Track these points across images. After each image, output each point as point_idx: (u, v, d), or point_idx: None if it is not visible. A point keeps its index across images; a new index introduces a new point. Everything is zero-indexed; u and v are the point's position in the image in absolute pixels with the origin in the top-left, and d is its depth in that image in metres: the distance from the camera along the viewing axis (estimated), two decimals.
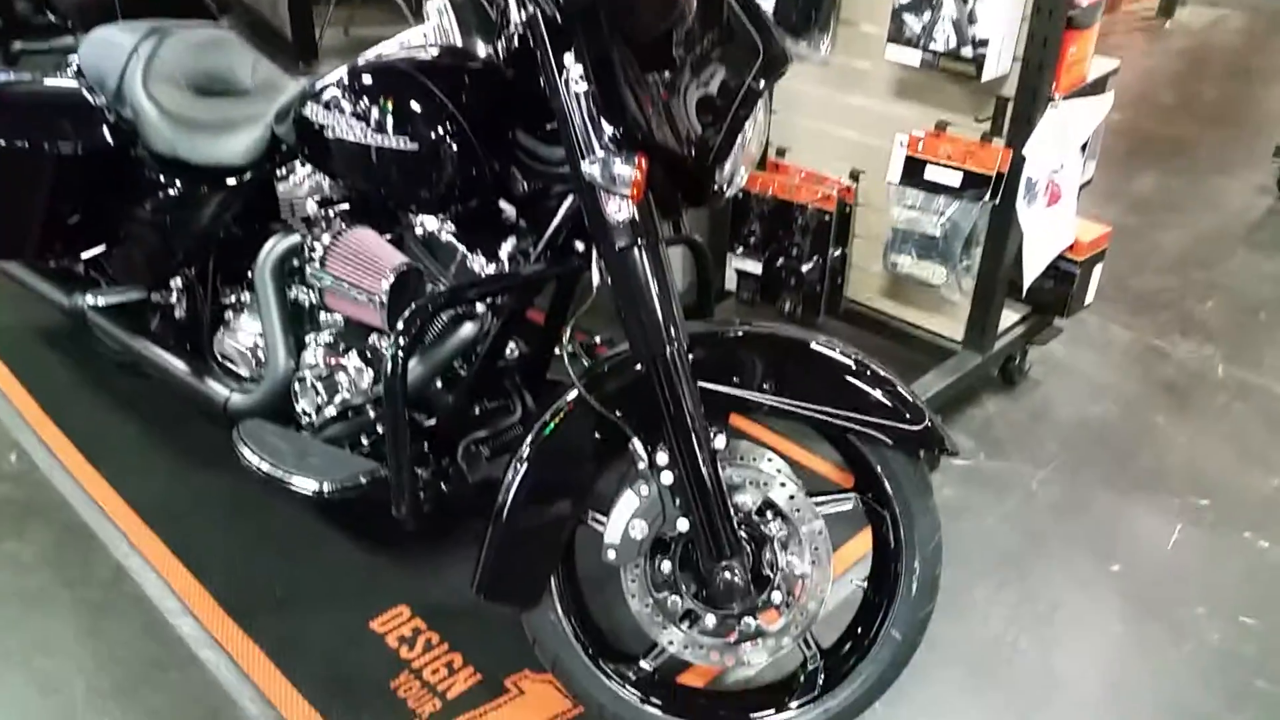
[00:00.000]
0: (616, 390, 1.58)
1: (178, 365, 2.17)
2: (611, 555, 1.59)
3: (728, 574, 1.58)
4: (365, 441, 1.93)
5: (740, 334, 1.62)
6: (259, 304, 2.01)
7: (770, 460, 1.71)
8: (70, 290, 2.38)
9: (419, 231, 1.84)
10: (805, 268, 2.63)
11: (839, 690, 1.71)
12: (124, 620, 2.02)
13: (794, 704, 1.72)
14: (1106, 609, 2.12)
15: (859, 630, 1.74)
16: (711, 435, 1.54)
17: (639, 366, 1.54)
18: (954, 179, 2.31)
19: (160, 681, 1.89)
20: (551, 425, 1.60)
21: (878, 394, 1.58)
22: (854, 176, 2.57)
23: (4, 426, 2.55)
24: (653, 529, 1.59)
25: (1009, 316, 2.61)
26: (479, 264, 1.77)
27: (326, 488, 1.75)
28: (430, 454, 1.91)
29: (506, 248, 1.76)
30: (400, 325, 1.58)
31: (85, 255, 2.38)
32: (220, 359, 2.19)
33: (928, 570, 1.67)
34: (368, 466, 1.80)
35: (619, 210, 1.43)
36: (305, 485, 1.76)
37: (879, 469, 1.64)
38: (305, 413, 1.98)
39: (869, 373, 1.58)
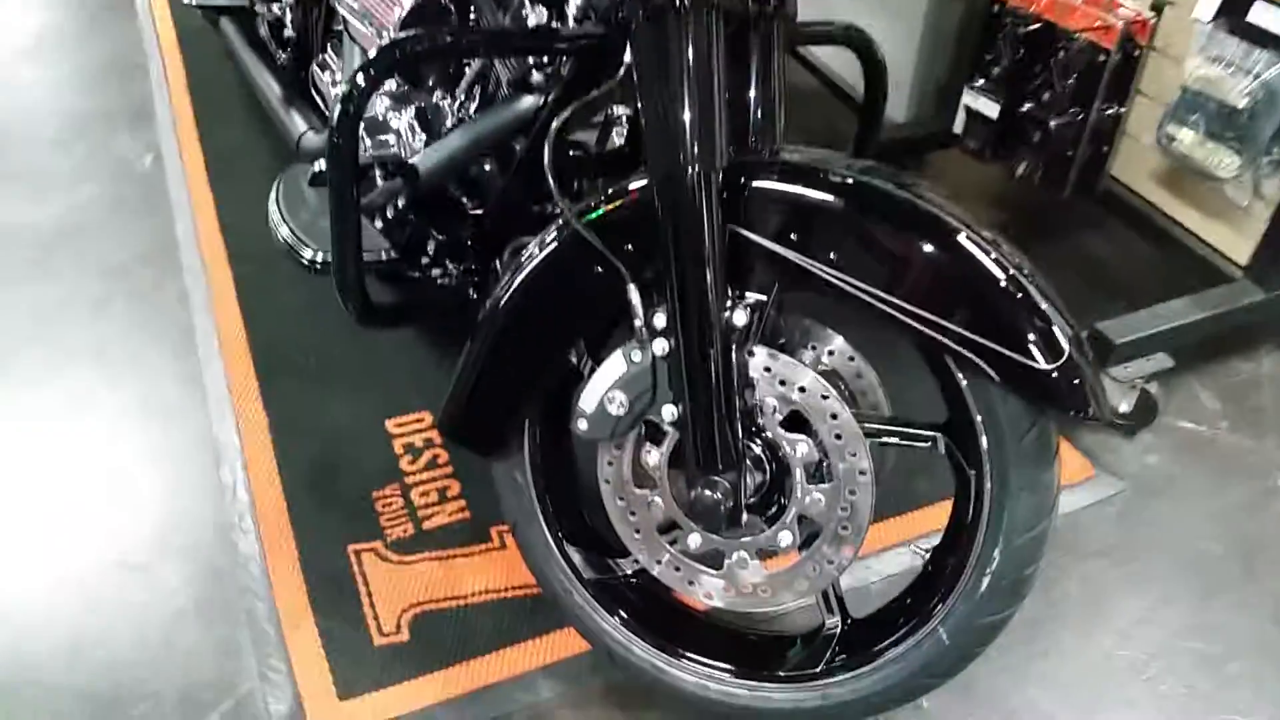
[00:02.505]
0: (623, 220, 1.16)
1: (270, 86, 1.95)
2: (582, 425, 1.21)
3: (710, 492, 1.17)
4: (392, 218, 1.61)
5: (831, 177, 1.12)
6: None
7: (830, 353, 1.25)
8: None
9: None
10: (1057, 122, 1.97)
11: (849, 678, 1.28)
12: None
13: (784, 673, 1.31)
14: None
15: (902, 613, 1.28)
16: (732, 302, 1.10)
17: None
18: None
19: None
20: (544, 251, 1.21)
21: (1005, 309, 1.05)
22: (1156, 8, 1.85)
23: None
24: (635, 408, 1.19)
25: None
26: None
27: (318, 259, 1.47)
28: (472, 247, 1.58)
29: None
30: (369, 56, 1.21)
31: None
32: (316, 91, 1.93)
33: (1011, 566, 1.17)
34: (373, 245, 1.50)
35: None
36: (301, 251, 1.49)
37: (976, 415, 1.13)
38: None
39: (1002, 276, 1.05)
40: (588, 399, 1.21)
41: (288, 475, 1.65)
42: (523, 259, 1.23)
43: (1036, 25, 1.93)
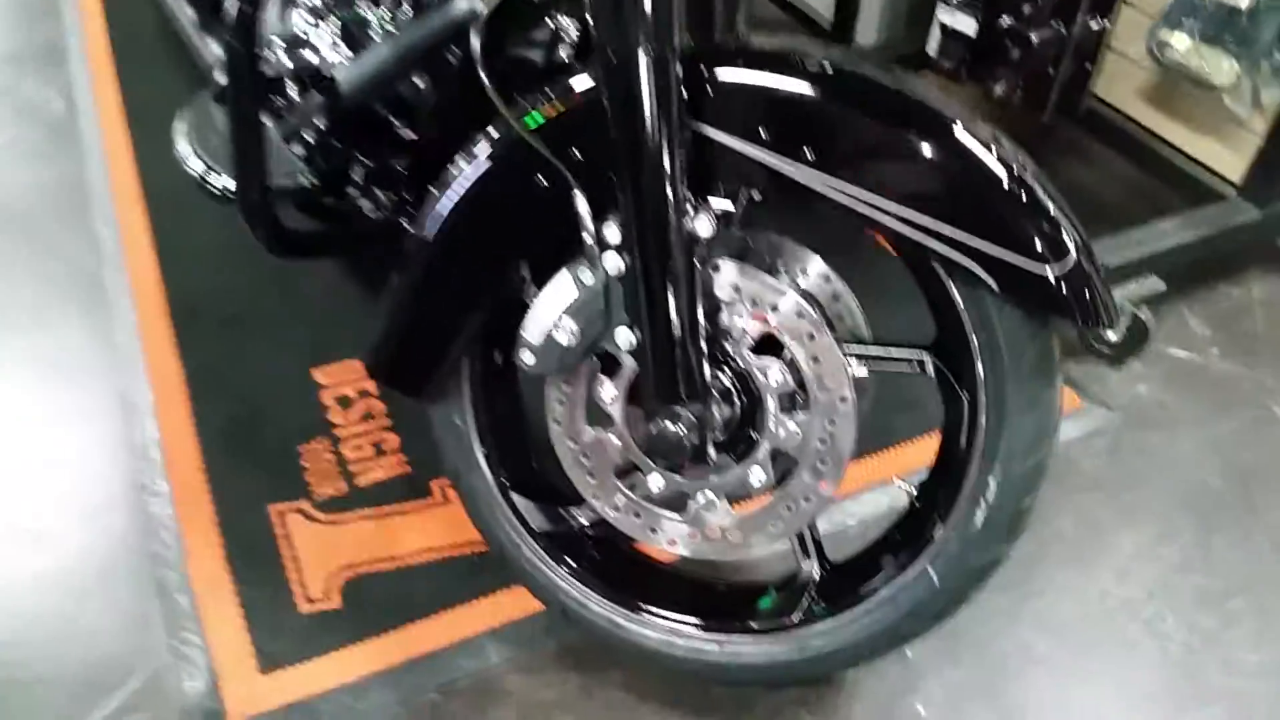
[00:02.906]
0: (569, 123, 1.00)
1: (184, 10, 1.76)
2: (527, 358, 1.07)
3: (673, 425, 1.03)
4: (312, 142, 1.44)
5: (806, 65, 0.97)
6: None
7: (804, 274, 1.12)
8: None
9: None
10: (1038, 36, 1.83)
11: (828, 627, 1.15)
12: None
13: (756, 624, 1.18)
14: None
15: (886, 553, 1.15)
16: (695, 209, 0.96)
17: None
18: None
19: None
20: (477, 164, 1.05)
21: (1006, 210, 0.92)
22: None
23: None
24: (586, 335, 1.04)
25: None
26: None
27: (232, 187, 1.30)
28: (404, 174, 1.42)
29: None
30: None
31: None
32: None
33: (1009, 496, 1.04)
34: (287, 169, 1.33)
35: None
36: (210, 179, 1.31)
37: (971, 331, 1.00)
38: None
39: (1003, 174, 0.91)
40: (532, 328, 1.06)
41: (204, 432, 1.49)
42: (453, 174, 1.07)
43: None
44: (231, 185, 1.27)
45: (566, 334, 1.04)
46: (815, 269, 1.13)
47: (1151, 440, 1.61)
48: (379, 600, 1.31)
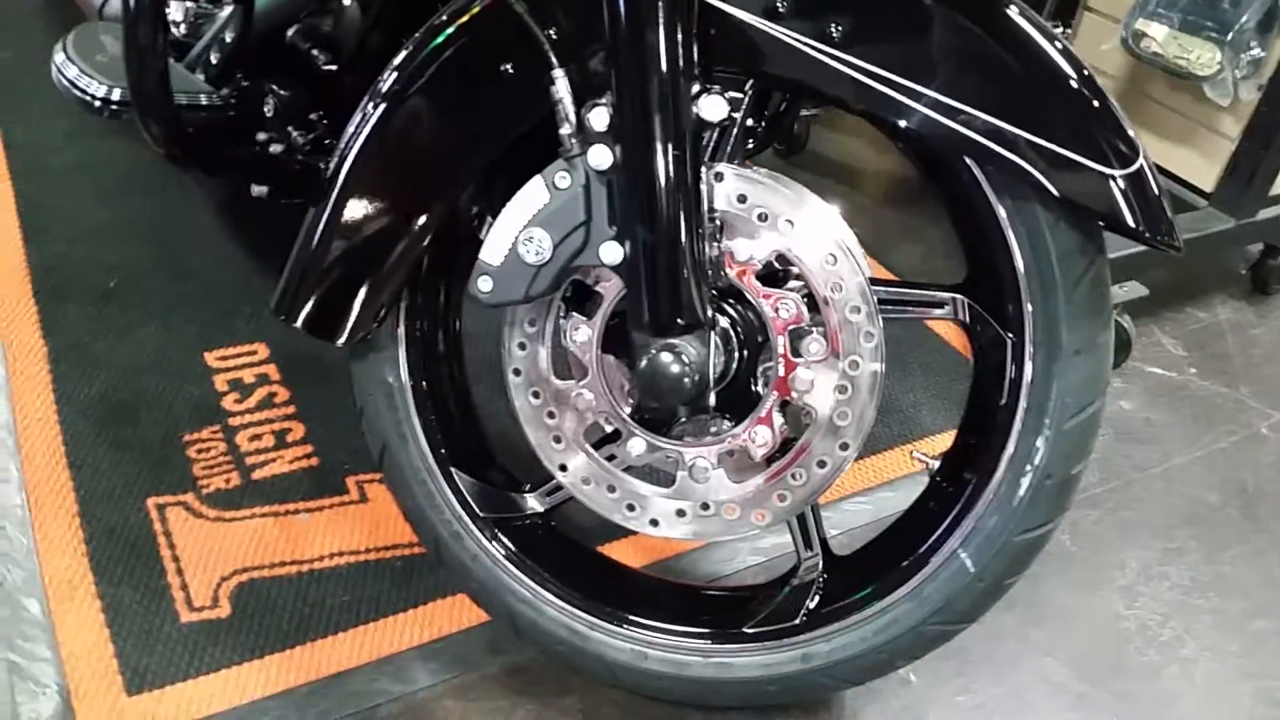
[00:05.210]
0: None
1: None
2: (483, 285, 0.87)
3: (667, 359, 0.85)
4: (218, 60, 1.23)
5: None
6: None
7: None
8: None
9: None
10: None
11: (837, 629, 0.96)
12: None
13: (750, 629, 0.98)
14: None
15: (904, 539, 0.97)
16: (699, 92, 0.79)
17: None
18: None
19: None
20: (425, 46, 0.87)
21: (1065, 102, 0.78)
22: None
23: None
24: (561, 252, 0.85)
25: None
26: None
27: (113, 96, 1.08)
28: (322, 112, 1.23)
29: None
30: None
31: None
32: None
33: (1059, 460, 0.88)
34: (189, 88, 1.12)
35: None
36: (89, 88, 1.09)
37: (1019, 254, 0.84)
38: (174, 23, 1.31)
39: (1063, 63, 0.78)
40: (493, 247, 0.87)
41: (69, 414, 1.24)
42: (395, 63, 0.88)
43: None
44: (113, 93, 1.06)
45: (535, 250, 0.85)
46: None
47: (1143, 456, 1.49)
48: (279, 610, 1.06)
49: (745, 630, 0.98)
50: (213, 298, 1.45)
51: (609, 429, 0.94)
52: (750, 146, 1.01)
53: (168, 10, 1.11)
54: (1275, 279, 1.85)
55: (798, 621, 0.97)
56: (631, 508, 0.94)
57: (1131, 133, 0.80)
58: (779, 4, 0.80)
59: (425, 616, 1.09)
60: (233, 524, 1.14)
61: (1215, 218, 1.66)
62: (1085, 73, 0.79)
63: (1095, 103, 0.79)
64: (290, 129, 1.21)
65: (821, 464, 0.89)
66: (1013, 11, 0.79)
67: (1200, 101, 1.59)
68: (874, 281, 0.89)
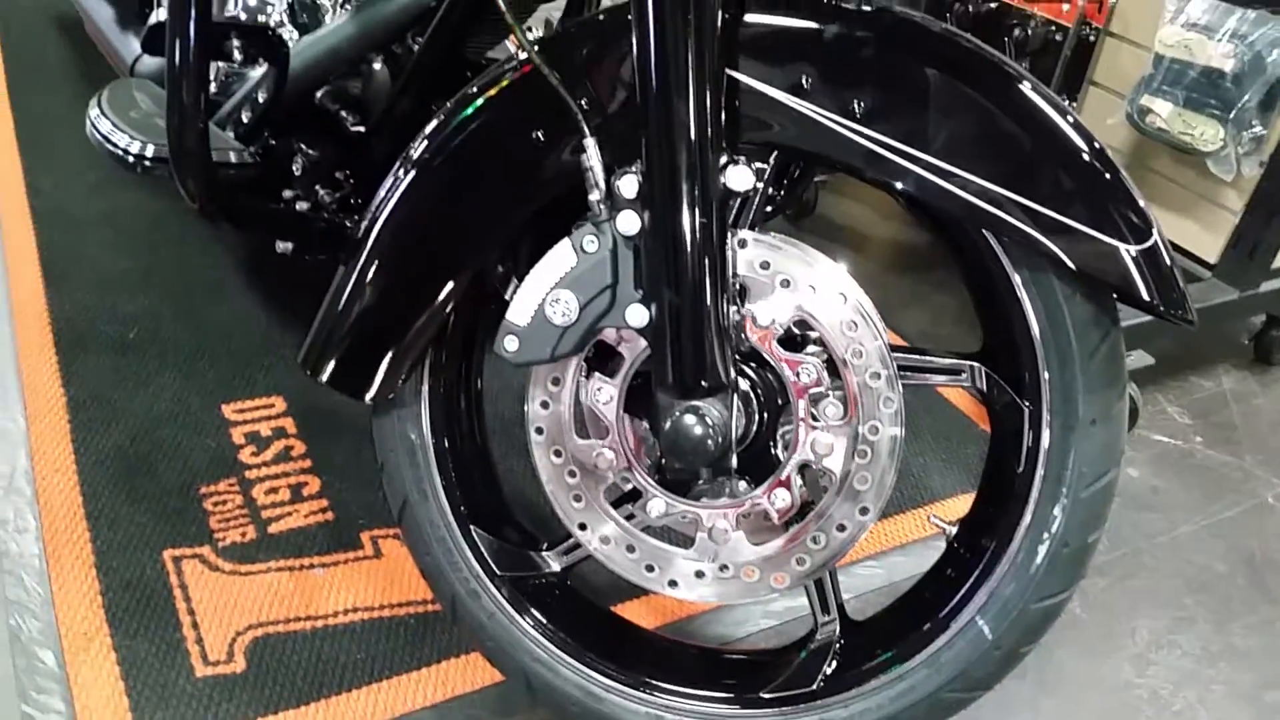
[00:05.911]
0: (579, 56, 0.86)
1: (100, 8, 1.59)
2: (509, 345, 0.89)
3: (690, 421, 0.86)
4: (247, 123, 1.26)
5: (854, 9, 0.85)
6: None
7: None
8: None
9: None
10: None
11: (856, 695, 0.96)
12: None
13: (767, 694, 0.98)
14: None
15: (922, 605, 0.98)
16: (726, 163, 0.82)
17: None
18: None
19: None
20: (465, 113, 0.90)
21: (1082, 178, 0.80)
22: None
23: None
24: (587, 314, 0.87)
25: None
26: None
27: (146, 152, 1.10)
28: (350, 173, 1.26)
29: None
30: None
31: None
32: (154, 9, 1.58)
33: (1076, 528, 0.90)
34: (220, 144, 1.15)
35: None
36: (123, 143, 1.11)
37: (1035, 325, 0.86)
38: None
39: (1077, 139, 0.81)
40: (520, 308, 0.89)
41: (87, 465, 1.24)
42: (427, 131, 0.91)
43: (991, 3, 1.77)
44: (147, 149, 1.08)
45: (562, 311, 0.87)
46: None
47: (1151, 524, 1.49)
48: (294, 665, 1.06)
49: (763, 695, 0.98)
50: (231, 350, 1.47)
51: (627, 488, 0.95)
52: (768, 211, 1.03)
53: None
54: (1278, 350, 1.87)
55: (815, 687, 0.97)
56: (650, 568, 0.95)
57: (1145, 207, 0.82)
58: (804, 80, 0.83)
59: (439, 675, 1.08)
60: (248, 577, 1.14)
61: (1219, 289, 1.69)
62: (1098, 146, 0.81)
63: (1109, 176, 0.81)
64: (317, 187, 1.23)
65: (841, 528, 0.90)
66: (1027, 88, 0.82)
67: (1204, 176, 1.63)
68: (892, 348, 0.90)
